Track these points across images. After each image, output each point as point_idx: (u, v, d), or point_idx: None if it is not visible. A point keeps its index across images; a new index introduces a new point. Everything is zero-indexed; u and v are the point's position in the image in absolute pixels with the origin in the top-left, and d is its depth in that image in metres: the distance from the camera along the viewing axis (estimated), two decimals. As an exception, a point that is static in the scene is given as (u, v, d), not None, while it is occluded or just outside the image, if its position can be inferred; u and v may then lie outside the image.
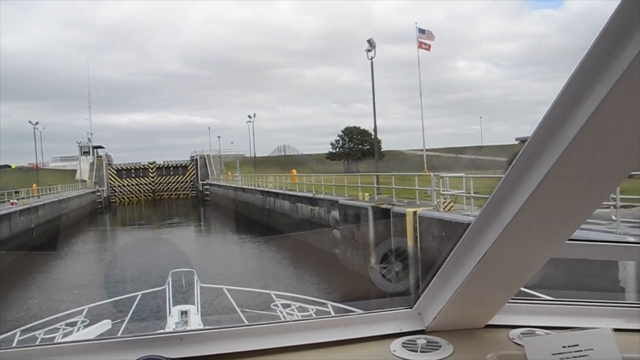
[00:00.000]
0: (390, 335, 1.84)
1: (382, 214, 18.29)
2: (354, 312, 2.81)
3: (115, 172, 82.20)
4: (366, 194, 21.91)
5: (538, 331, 1.83)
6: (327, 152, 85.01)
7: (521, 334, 1.80)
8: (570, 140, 1.09)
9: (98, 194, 69.60)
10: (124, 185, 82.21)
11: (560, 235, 1.44)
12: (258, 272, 22.37)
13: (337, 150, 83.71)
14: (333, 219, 24.24)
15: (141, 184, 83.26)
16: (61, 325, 4.33)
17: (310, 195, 28.53)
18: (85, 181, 73.43)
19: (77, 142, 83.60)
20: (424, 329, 1.86)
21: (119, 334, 4.01)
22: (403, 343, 1.77)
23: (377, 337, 1.84)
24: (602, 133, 1.09)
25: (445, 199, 16.20)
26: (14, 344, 3.78)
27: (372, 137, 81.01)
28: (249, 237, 33.86)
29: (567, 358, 1.52)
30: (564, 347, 1.54)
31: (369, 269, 17.98)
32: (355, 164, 79.47)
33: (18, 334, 4.05)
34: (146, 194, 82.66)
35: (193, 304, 4.67)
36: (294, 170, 41.97)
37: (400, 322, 1.90)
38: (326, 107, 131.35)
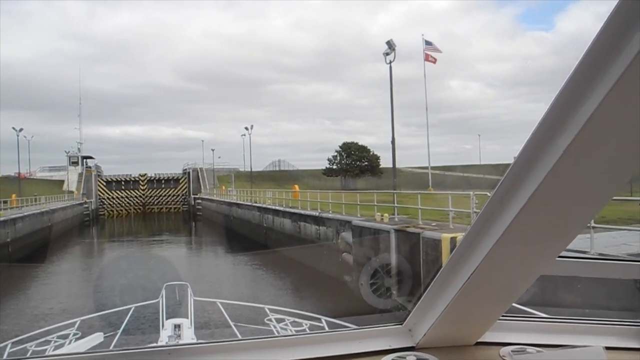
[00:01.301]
0: (381, 351, 1.80)
1: (409, 238, 15.71)
2: (347, 327, 2.66)
3: (104, 184, 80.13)
4: (385, 215, 19.30)
5: (529, 349, 1.80)
6: (322, 168, 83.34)
7: (512, 351, 1.77)
8: (558, 159, 1.09)
9: (86, 205, 66.76)
10: (113, 198, 79.90)
11: (549, 252, 1.44)
12: (255, 299, 19.71)
13: (335, 166, 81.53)
14: (343, 241, 21.65)
15: (131, 196, 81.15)
16: (53, 338, 4.24)
17: (315, 213, 25.88)
18: (72, 192, 70.64)
19: (66, 151, 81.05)
20: (414, 345, 1.84)
21: (111, 347, 3.97)
22: None
23: (367, 353, 1.81)
24: (590, 151, 1.10)
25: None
26: (5, 356, 3.89)
27: (371, 153, 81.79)
28: (244, 258, 31.03)
29: None
30: None
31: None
32: (353, 180, 77.47)
33: (9, 346, 3.99)
34: (136, 207, 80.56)
35: (186, 317, 4.58)
36: (296, 186, 39.31)
37: (390, 338, 1.87)
38: (319, 123, 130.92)
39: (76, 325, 4.57)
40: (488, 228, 1.36)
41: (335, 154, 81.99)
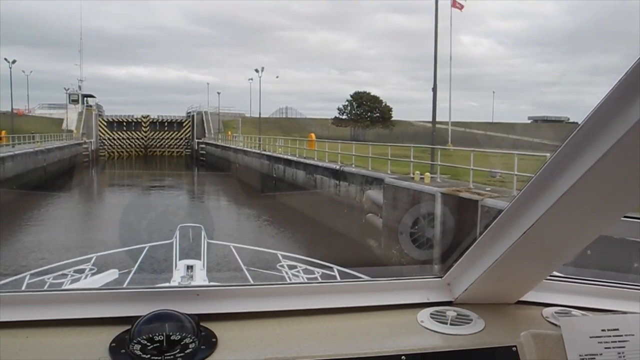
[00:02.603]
0: (417, 304, 1.74)
1: (461, 205, 12.92)
2: (361, 278, 2.57)
3: (105, 124, 77.35)
4: (427, 174, 16.47)
5: (574, 311, 1.72)
6: (328, 117, 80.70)
7: (555, 312, 1.70)
8: (638, 119, 1.03)
9: (85, 146, 63.97)
10: (114, 139, 77.38)
11: (616, 212, 1.36)
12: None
13: (345, 115, 78.38)
14: (369, 200, 18.96)
15: (133, 138, 78.70)
16: (69, 272, 4.26)
17: (335, 166, 23.03)
18: (72, 131, 67.94)
19: (65, 88, 77.73)
20: (453, 300, 1.76)
21: (125, 284, 4.14)
22: (431, 314, 1.66)
23: (403, 305, 1.74)
24: None
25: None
26: (24, 287, 3.87)
27: (383, 104, 78.65)
28: (249, 211, 28.31)
29: (606, 342, 1.46)
30: (602, 330, 1.48)
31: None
32: (362, 131, 74.50)
33: (27, 277, 4.03)
34: (137, 149, 78.28)
35: (199, 259, 4.56)
36: (312, 134, 36.16)
37: (427, 291, 1.79)
38: (326, 72, 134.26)
39: (92, 261, 4.60)
40: (547, 187, 1.29)
41: (346, 103, 78.91)
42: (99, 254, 4.76)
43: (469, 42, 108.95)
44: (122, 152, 76.86)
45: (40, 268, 4.68)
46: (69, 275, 4.26)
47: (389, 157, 20.11)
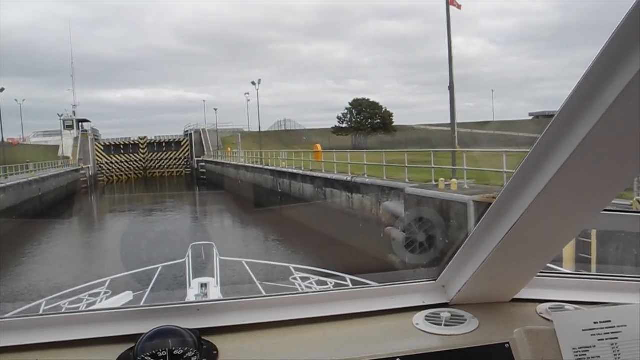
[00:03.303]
0: (413, 308, 1.77)
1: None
2: (374, 284, 2.35)
3: (102, 148, 76.23)
4: (453, 180, 14.90)
5: (567, 306, 1.75)
6: (327, 127, 78.97)
7: (549, 308, 1.72)
8: (607, 108, 1.04)
9: (83, 172, 62.66)
10: (112, 162, 76.13)
11: (594, 206, 1.38)
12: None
13: (345, 124, 77.08)
14: (387, 212, 17.42)
15: (131, 160, 77.35)
16: (85, 296, 4.32)
17: (346, 178, 21.48)
18: (68, 158, 66.52)
19: (59, 114, 76.34)
20: (448, 302, 1.78)
21: (141, 304, 4.02)
22: (426, 316, 1.69)
23: (398, 309, 1.77)
24: None
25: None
26: (40, 312, 3.79)
27: (383, 110, 77.45)
28: (256, 232, 26.70)
29: (599, 334, 1.48)
30: (595, 322, 1.50)
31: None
32: (364, 139, 73.16)
33: (44, 304, 4.05)
34: (136, 172, 76.98)
35: (213, 276, 4.62)
36: (318, 145, 34.55)
37: (423, 294, 1.82)
38: (321, 82, 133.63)
39: (106, 284, 4.59)
40: (529, 181, 1.31)
41: (345, 111, 77.73)
42: (113, 277, 4.80)
43: (462, 43, 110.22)
44: (121, 175, 75.57)
45: (57, 294, 4.67)
46: (85, 300, 4.27)
47: (406, 165, 18.50)
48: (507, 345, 1.52)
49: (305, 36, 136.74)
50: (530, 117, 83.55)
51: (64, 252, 23.99)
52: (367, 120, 75.99)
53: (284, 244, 21.85)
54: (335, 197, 22.53)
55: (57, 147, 71.27)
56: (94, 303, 4.24)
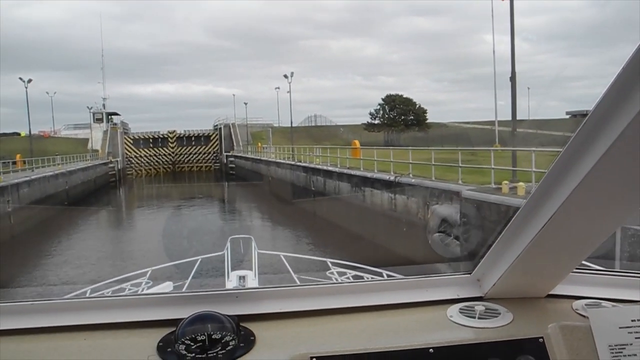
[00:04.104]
0: (447, 300, 1.75)
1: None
2: (409, 277, 2.26)
3: (131, 142, 75.72)
4: (520, 184, 12.99)
5: (604, 303, 1.69)
6: (357, 123, 78.24)
7: (586, 305, 1.68)
8: None
9: (111, 165, 62.35)
10: (140, 156, 75.67)
11: (631, 202, 1.34)
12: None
13: (377, 120, 75.29)
14: (437, 217, 15.69)
15: (160, 154, 76.95)
16: (127, 286, 4.45)
17: (389, 177, 19.75)
18: (97, 151, 66.17)
19: (88, 107, 76.07)
20: (483, 295, 1.77)
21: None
22: (460, 309, 1.68)
23: (433, 302, 1.76)
24: None
25: None
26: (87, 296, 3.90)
27: (417, 106, 75.49)
28: (289, 233, 25.13)
29: (636, 332, 1.46)
30: (632, 320, 1.47)
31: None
32: (397, 135, 71.25)
33: (89, 292, 4.14)
34: (165, 166, 76.55)
35: (250, 269, 4.67)
36: (356, 141, 32.76)
37: (457, 288, 1.81)
38: (350, 79, 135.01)
39: (148, 275, 4.67)
40: (564, 177, 1.30)
41: (378, 107, 75.99)
42: (154, 267, 4.86)
43: (495, 41, 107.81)
44: (150, 169, 75.27)
45: (100, 283, 4.65)
46: (127, 289, 4.36)
47: (460, 164, 16.54)
48: (540, 340, 1.51)
49: (335, 32, 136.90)
50: (568, 116, 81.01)
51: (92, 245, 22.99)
52: (400, 116, 74.22)
53: (319, 248, 20.25)
54: (375, 198, 20.82)
55: (87, 140, 71.23)
56: (135, 292, 4.18)
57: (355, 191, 23.05)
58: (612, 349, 1.44)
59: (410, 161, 19.59)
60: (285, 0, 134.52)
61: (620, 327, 1.46)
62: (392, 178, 19.36)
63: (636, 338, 1.45)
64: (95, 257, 20.49)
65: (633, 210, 1.37)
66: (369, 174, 21.82)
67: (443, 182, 16.52)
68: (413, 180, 18.01)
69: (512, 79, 17.10)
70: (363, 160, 24.99)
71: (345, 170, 24.98)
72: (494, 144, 34.64)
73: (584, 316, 1.59)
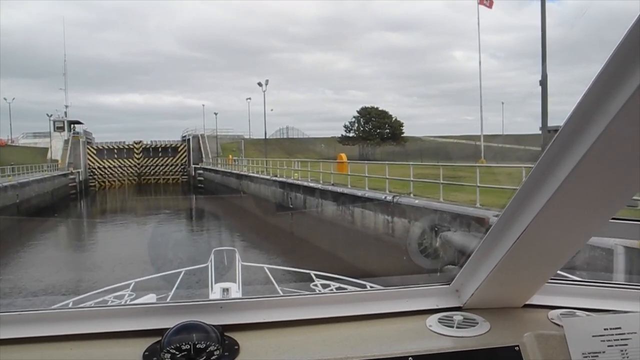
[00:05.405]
0: (427, 310, 1.79)
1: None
2: (390, 288, 2.33)
3: (95, 152, 72.38)
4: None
5: (579, 312, 1.75)
6: (328, 136, 77.17)
7: (561, 314, 1.73)
8: (613, 117, 1.07)
9: (72, 176, 58.51)
10: (104, 167, 72.25)
11: (603, 214, 1.39)
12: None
13: (352, 133, 73.16)
14: (447, 245, 13.15)
15: (125, 166, 73.72)
16: (110, 298, 4.39)
17: (385, 197, 17.06)
18: (57, 161, 62.34)
19: (48, 115, 72.01)
20: (461, 306, 1.80)
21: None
22: (439, 319, 1.71)
23: (413, 312, 1.79)
24: None
25: None
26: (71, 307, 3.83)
27: (393, 119, 73.56)
28: (267, 258, 22.32)
29: (609, 340, 1.49)
30: (605, 329, 1.50)
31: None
32: (372, 149, 69.33)
33: (71, 304, 3.96)
34: (130, 178, 73.40)
35: (234, 281, 4.61)
36: (343, 155, 30.01)
37: (437, 298, 1.84)
38: (320, 93, 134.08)
39: (131, 287, 4.55)
40: (537, 190, 1.33)
41: (353, 119, 74.03)
42: (137, 279, 4.79)
43: (462, 57, 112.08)
44: (114, 181, 71.96)
45: (83, 295, 4.65)
46: (109, 301, 4.35)
47: (478, 184, 13.85)
48: (517, 348, 1.53)
49: (307, 45, 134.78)
50: (540, 132, 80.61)
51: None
52: (375, 129, 72.24)
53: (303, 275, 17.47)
54: (366, 220, 18.19)
55: (47, 149, 67.25)
56: (119, 304, 3.90)
57: (341, 211, 20.39)
58: (586, 357, 1.46)
59: (411, 179, 16.95)
60: (259, 12, 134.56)
61: (593, 336, 1.49)
62: (389, 198, 16.72)
63: (609, 346, 1.47)
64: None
65: (604, 222, 1.41)
66: (359, 193, 19.07)
67: (452, 204, 14.01)
68: (416, 201, 15.39)
69: (542, 82, 14.80)
70: (350, 176, 22.29)
71: (330, 188, 22.25)
72: (479, 160, 32.69)
73: (559, 325, 1.62)
